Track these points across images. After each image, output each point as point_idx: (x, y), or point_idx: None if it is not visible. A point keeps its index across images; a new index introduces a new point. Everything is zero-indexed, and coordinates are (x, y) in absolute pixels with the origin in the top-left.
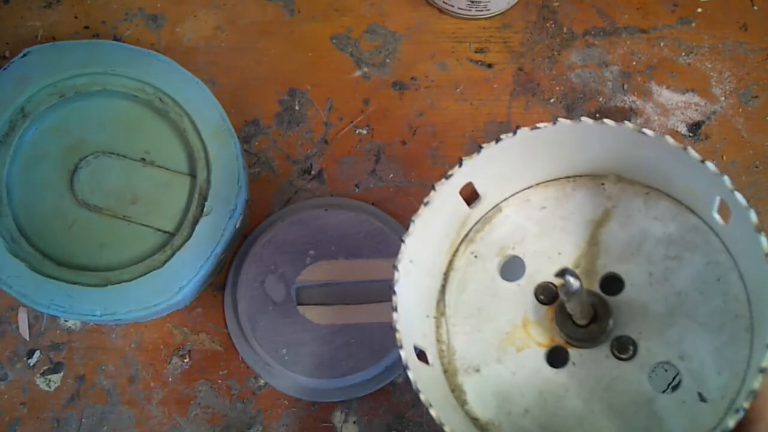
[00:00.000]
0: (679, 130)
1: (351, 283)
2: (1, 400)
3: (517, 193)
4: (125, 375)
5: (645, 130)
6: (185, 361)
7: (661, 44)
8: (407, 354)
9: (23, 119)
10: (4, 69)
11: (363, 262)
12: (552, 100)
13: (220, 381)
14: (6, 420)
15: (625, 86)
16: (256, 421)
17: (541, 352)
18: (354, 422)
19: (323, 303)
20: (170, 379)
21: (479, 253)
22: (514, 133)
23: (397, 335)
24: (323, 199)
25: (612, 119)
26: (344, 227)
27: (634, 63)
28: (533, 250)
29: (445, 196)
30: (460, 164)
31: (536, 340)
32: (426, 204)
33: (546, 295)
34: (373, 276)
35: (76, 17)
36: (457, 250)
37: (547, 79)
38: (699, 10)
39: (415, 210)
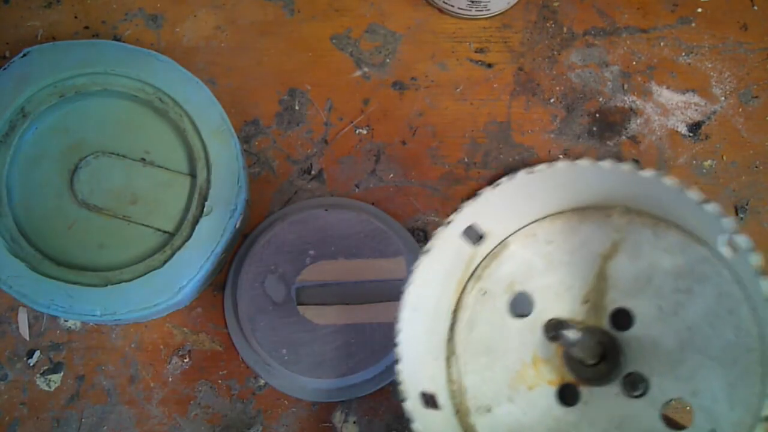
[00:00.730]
0: (679, 130)
1: (351, 283)
2: (1, 400)
3: (522, 227)
4: (125, 375)
5: (642, 172)
6: (185, 361)
7: (661, 44)
8: (412, 405)
9: (23, 119)
10: (4, 69)
11: (363, 262)
12: (552, 100)
13: (220, 381)
14: (6, 420)
15: (625, 86)
16: (256, 421)
17: (551, 391)
18: (354, 422)
19: (323, 303)
20: (170, 379)
21: (488, 290)
22: (512, 177)
23: (401, 387)
24: (323, 199)
25: (612, 120)
26: (344, 227)
27: (634, 63)
28: (541, 286)
29: (446, 241)
30: (460, 210)
31: (547, 378)
32: (426, 252)
33: (549, 332)
34: (373, 276)
35: (76, 17)
36: (464, 288)
37: (547, 79)
38: (699, 10)
39: (415, 210)
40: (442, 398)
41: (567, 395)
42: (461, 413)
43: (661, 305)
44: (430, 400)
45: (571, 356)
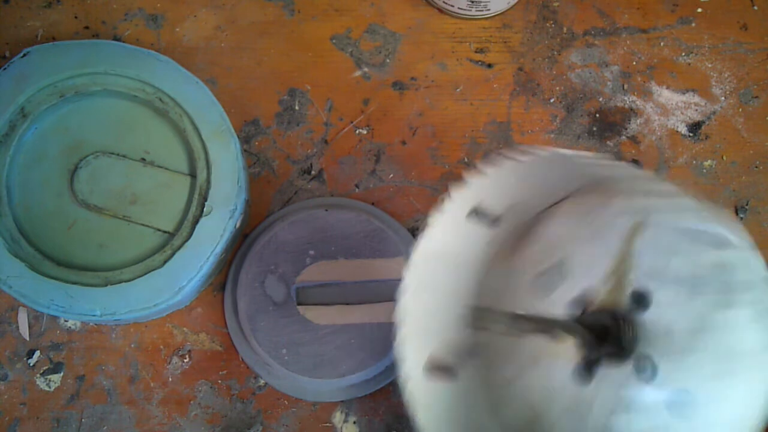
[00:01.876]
0: (679, 130)
1: (351, 283)
2: (1, 400)
3: (551, 205)
4: (125, 375)
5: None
6: (185, 361)
7: (661, 44)
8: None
9: (23, 119)
10: (4, 69)
11: (363, 262)
12: (552, 100)
13: (220, 381)
14: (6, 420)
15: (625, 86)
16: (256, 421)
17: (568, 368)
18: (354, 422)
19: (323, 303)
20: (170, 379)
21: (512, 267)
22: (538, 154)
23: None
24: (323, 199)
25: (612, 120)
26: (344, 227)
27: (634, 63)
28: (565, 263)
29: (452, 223)
30: (468, 182)
31: (563, 355)
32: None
33: (573, 309)
34: (373, 276)
35: (76, 17)
36: (489, 264)
37: (547, 79)
38: (699, 10)
39: (415, 210)
40: (464, 370)
41: (583, 373)
42: (481, 386)
43: (679, 290)
44: (448, 371)
45: (588, 334)
